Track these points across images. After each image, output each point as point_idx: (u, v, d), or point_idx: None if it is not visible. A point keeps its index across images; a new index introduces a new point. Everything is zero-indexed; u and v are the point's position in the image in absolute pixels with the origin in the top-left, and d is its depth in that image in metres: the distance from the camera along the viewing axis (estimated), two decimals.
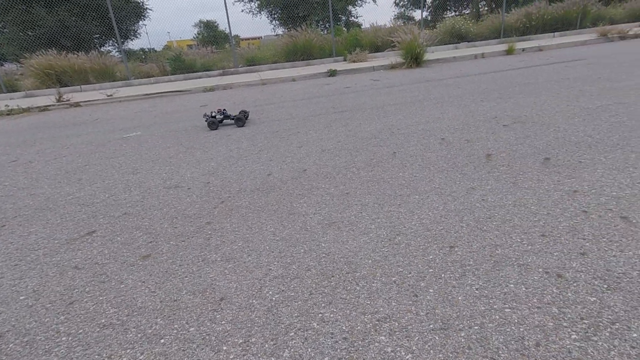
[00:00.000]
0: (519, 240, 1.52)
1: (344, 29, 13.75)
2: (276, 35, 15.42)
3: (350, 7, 16.44)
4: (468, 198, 1.92)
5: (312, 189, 2.23)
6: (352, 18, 16.57)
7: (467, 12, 14.69)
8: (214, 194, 2.30)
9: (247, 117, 4.27)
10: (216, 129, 4.09)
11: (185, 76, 9.82)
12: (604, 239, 1.47)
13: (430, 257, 1.46)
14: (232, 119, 4.19)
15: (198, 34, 17.93)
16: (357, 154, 2.80)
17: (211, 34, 15.72)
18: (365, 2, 16.64)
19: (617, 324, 1.07)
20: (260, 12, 15.89)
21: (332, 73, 8.17)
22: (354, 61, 9.81)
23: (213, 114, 4.20)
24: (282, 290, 1.35)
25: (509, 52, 9.02)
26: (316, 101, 5.26)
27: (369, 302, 1.25)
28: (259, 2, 15.71)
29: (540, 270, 1.33)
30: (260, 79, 8.04)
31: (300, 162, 2.75)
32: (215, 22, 17.88)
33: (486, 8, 14.56)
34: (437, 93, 4.94)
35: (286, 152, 3.01)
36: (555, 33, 11.70)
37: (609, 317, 1.09)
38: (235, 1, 15.11)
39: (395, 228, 1.69)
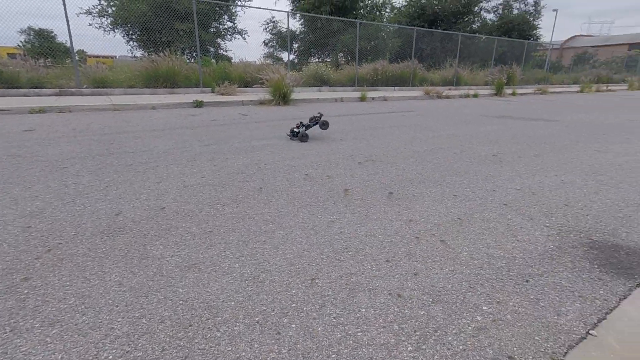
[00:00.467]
0: (369, 267, 1.70)
1: (212, 60, 13.66)
2: (134, 57, 14.15)
3: (219, 40, 16.52)
4: (328, 231, 2.06)
5: (170, 228, 2.05)
6: (222, 51, 16.65)
7: (329, 60, 16.56)
8: (36, 242, 1.87)
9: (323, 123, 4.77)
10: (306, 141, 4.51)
11: (3, 92, 7.97)
12: (430, 260, 1.77)
13: (293, 291, 1.50)
14: (316, 123, 4.73)
15: (26, 42, 14.79)
16: (223, 189, 2.73)
17: (45, 45, 13.23)
18: (235, 38, 17.01)
19: (439, 331, 1.28)
20: (113, 30, 14.35)
21: (198, 104, 7.93)
22: (222, 94, 9.77)
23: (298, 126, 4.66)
24: (126, 352, 1.16)
25: (362, 99, 10.47)
26: (179, 132, 4.98)
27: (230, 349, 1.18)
28: (111, 18, 14.18)
29: (385, 292, 1.50)
30: (112, 104, 7.17)
31: (158, 199, 2.51)
32: (52, 31, 15.06)
33: (343, 59, 16.72)
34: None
35: (141, 188, 2.71)
36: (396, 87, 14.23)
37: (433, 326, 1.30)
38: (80, 13, 13.06)
39: (259, 265, 1.68)
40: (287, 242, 1.92)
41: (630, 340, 1.26)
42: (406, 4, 22.49)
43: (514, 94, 14.71)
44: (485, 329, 1.30)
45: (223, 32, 16.50)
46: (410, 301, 1.45)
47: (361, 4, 17.86)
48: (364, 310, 1.39)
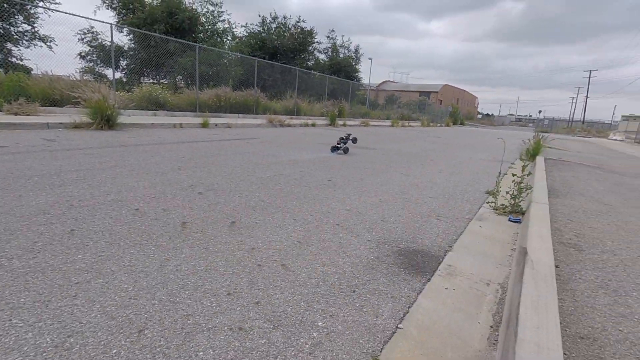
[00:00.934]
0: (209, 304, 1.61)
1: None
2: None
3: (10, 45, 13.30)
4: (162, 271, 1.86)
5: None
6: (14, 59, 13.43)
7: (166, 82, 15.48)
8: None
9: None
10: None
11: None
12: (272, 286, 1.81)
13: (114, 351, 1.27)
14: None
15: None
16: (12, 237, 2.14)
17: None
18: (36, 45, 14.00)
19: (279, 356, 1.31)
20: None
21: None
22: (16, 113, 7.82)
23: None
24: None
25: (204, 125, 10.16)
26: None
27: None
28: None
29: (226, 328, 1.44)
30: None
31: None
32: None
33: (183, 82, 15.95)
34: (133, 159, 4.73)
35: None
36: (240, 115, 14.43)
37: (274, 352, 1.32)
38: None
39: (66, 328, 1.37)
40: (108, 292, 1.63)
41: (424, 326, 1.57)
42: (247, 34, 23.47)
43: (344, 125, 17.01)
44: (320, 344, 1.40)
45: (16, 36, 13.38)
46: (251, 332, 1.43)
47: (201, 28, 17.64)
48: (201, 354, 1.29)
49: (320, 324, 1.53)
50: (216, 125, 10.63)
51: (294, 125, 13.80)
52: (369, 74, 52.44)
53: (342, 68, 27.70)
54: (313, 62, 27.12)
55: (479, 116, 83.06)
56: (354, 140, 7.28)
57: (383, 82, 61.96)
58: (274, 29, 23.77)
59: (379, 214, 3.21)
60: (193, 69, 13.14)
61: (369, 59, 36.49)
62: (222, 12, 18.55)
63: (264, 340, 1.39)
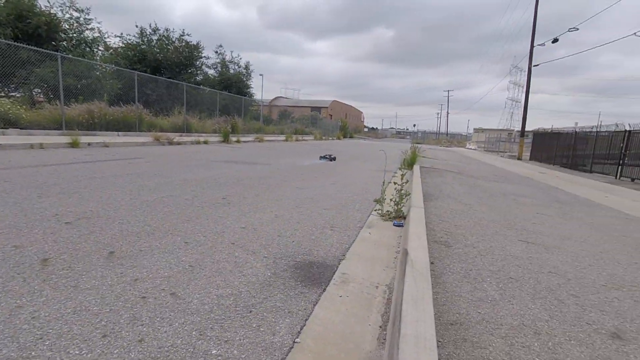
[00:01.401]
0: (77, 352, 1.37)
1: None
2: None
3: None
4: (10, 323, 1.52)
5: None
6: None
7: (18, 95, 12.94)
8: None
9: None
10: None
11: None
12: (158, 319, 1.64)
13: None
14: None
15: None
16: None
17: None
18: None
19: None
20: None
21: None
22: None
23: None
24: None
25: (74, 144, 8.82)
26: None
27: None
28: None
29: None
30: None
31: None
32: None
33: (42, 96, 13.59)
34: None
35: None
36: (120, 132, 12.94)
37: None
38: None
39: None
40: None
41: (320, 336, 1.62)
42: (124, 45, 21.33)
43: (238, 141, 16.71)
44: None
45: None
46: None
47: (63, 35, 15.34)
48: None
49: (214, 352, 1.44)
50: (89, 144, 9.32)
51: (185, 143, 12.99)
52: (261, 90, 52.97)
53: (234, 84, 27.35)
54: (202, 77, 26.14)
55: (366, 129, 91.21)
56: (334, 159, 8.40)
57: (275, 98, 63.29)
58: (155, 42, 22.13)
59: (275, 230, 3.22)
60: (56, 81, 11.32)
61: (260, 75, 37.03)
62: (90, 19, 16.43)
63: None
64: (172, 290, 1.93)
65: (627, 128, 11.99)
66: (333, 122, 44.09)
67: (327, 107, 59.50)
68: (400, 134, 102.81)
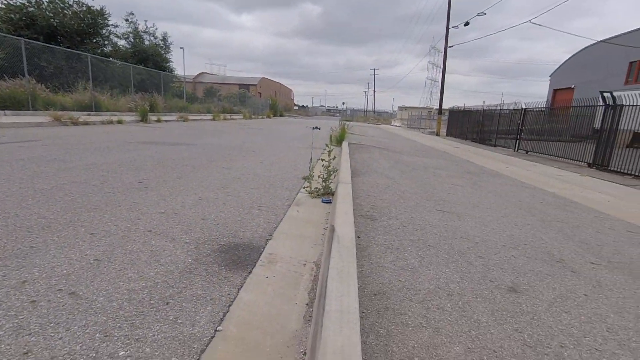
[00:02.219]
0: None
1: None
2: None
3: None
4: None
5: None
6: None
7: None
8: None
9: None
10: None
11: None
12: (52, 324, 1.42)
13: None
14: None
15: None
16: None
17: None
18: None
19: None
20: None
21: None
22: None
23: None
24: None
25: None
26: None
27: None
28: None
29: None
30: None
31: None
32: None
33: None
34: None
35: None
36: (7, 111, 11.01)
37: None
38: None
39: None
40: None
41: (244, 321, 1.55)
42: (4, 7, 17.85)
43: (159, 120, 15.39)
44: None
45: None
46: None
47: None
48: None
49: (121, 353, 1.28)
50: None
51: (93, 123, 11.56)
52: (183, 65, 49.48)
53: (150, 57, 24.86)
54: (111, 48, 23.29)
55: (296, 107, 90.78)
56: (318, 128, 7.94)
57: (200, 74, 59.36)
58: (46, 4, 18.93)
59: (199, 213, 3.02)
60: None
61: (181, 48, 33.98)
62: None
63: None
64: (72, 289, 1.68)
65: (523, 107, 13.60)
66: (262, 100, 42.90)
67: (255, 85, 57.60)
68: (330, 112, 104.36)
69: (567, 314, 1.78)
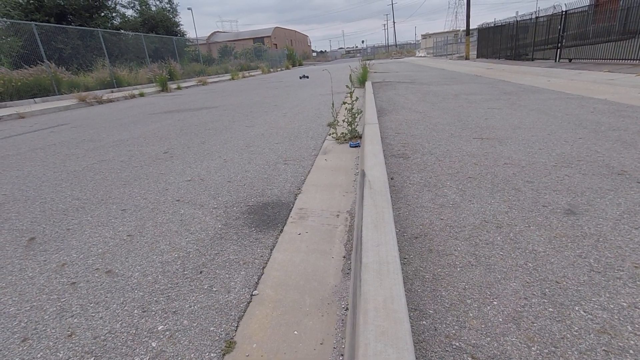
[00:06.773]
0: None
1: None
2: None
3: None
4: None
5: None
6: None
7: None
8: None
9: None
10: None
11: None
12: (92, 304, 1.42)
13: None
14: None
15: None
16: None
17: None
18: None
19: None
20: None
21: None
22: None
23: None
24: None
25: None
26: None
27: None
28: None
29: None
30: None
31: None
32: None
33: None
34: None
35: None
36: (36, 99, 11.34)
37: None
38: None
39: None
40: None
41: (280, 283, 1.48)
42: None
43: (179, 87, 15.31)
44: (162, 354, 1.15)
45: None
46: None
47: None
48: None
49: (160, 327, 1.26)
50: None
51: (117, 100, 11.69)
52: (194, 26, 48.11)
53: (160, 23, 24.25)
54: (120, 19, 22.86)
55: (314, 54, 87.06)
56: (307, 77, 8.36)
57: (213, 34, 57.61)
58: None
59: (224, 176, 2.95)
60: None
61: (189, 9, 32.79)
62: None
63: None
64: (108, 267, 1.69)
65: (563, 10, 12.00)
66: (279, 51, 41.29)
67: (270, 36, 55.25)
68: (350, 53, 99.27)
69: (639, 230, 1.56)
